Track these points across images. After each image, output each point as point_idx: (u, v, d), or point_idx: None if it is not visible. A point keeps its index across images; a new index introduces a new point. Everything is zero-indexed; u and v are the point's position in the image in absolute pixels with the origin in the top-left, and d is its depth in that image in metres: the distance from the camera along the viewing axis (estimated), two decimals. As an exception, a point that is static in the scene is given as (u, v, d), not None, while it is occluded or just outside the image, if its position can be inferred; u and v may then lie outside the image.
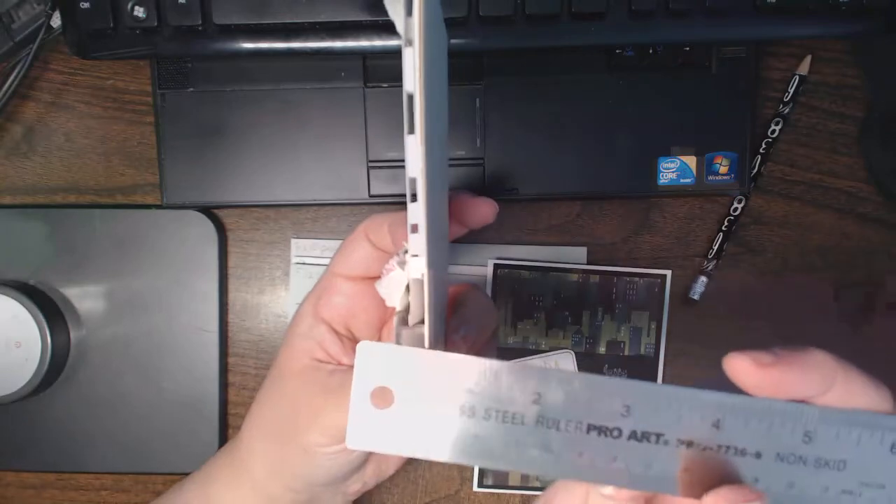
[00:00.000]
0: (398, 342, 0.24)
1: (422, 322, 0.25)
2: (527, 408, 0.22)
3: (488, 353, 0.31)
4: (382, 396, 0.23)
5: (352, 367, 0.32)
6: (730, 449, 0.22)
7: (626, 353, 0.46)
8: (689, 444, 0.22)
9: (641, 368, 0.46)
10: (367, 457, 0.34)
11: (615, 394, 0.22)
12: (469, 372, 0.22)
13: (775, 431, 0.22)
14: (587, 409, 0.22)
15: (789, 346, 0.23)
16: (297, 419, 0.32)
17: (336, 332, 0.33)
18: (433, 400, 0.22)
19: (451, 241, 0.34)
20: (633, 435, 0.22)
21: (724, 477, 0.22)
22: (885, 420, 0.22)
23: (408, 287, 0.26)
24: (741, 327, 0.47)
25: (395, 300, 0.28)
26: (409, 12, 0.22)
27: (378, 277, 0.33)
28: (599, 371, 0.46)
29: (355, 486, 0.36)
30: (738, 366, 0.22)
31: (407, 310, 0.26)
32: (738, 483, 0.22)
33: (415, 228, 0.24)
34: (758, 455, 0.22)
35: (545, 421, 0.22)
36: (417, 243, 0.24)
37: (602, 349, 0.46)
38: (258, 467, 0.34)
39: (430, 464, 0.47)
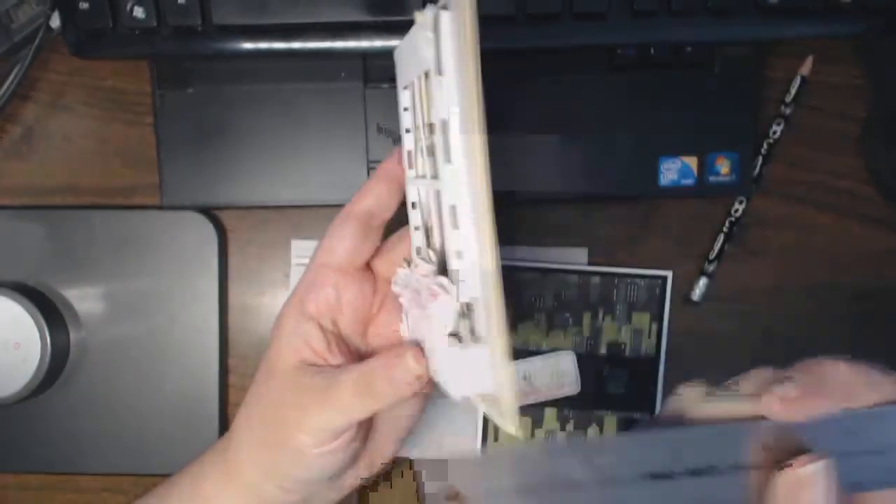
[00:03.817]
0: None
1: (479, 340, 0.26)
2: (585, 474, 0.24)
3: None
4: (455, 497, 0.25)
5: (337, 367, 0.32)
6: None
7: (627, 354, 0.46)
8: (740, 466, 0.25)
9: (642, 369, 0.46)
10: (360, 453, 0.34)
11: (667, 444, 0.25)
12: (527, 460, 0.25)
13: (819, 434, 0.25)
14: (641, 462, 0.24)
15: (802, 361, 0.26)
16: (286, 421, 0.32)
17: (322, 329, 0.33)
18: (499, 492, 0.24)
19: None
20: (693, 472, 0.25)
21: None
22: None
23: (460, 311, 0.27)
24: (742, 329, 0.47)
25: (449, 323, 0.27)
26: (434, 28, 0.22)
27: (364, 269, 0.34)
28: (600, 371, 0.46)
29: (349, 481, 0.36)
30: (770, 408, 0.25)
31: (458, 330, 0.27)
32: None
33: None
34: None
35: (606, 482, 0.25)
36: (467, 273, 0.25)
37: (603, 350, 0.46)
38: (249, 467, 0.34)
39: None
